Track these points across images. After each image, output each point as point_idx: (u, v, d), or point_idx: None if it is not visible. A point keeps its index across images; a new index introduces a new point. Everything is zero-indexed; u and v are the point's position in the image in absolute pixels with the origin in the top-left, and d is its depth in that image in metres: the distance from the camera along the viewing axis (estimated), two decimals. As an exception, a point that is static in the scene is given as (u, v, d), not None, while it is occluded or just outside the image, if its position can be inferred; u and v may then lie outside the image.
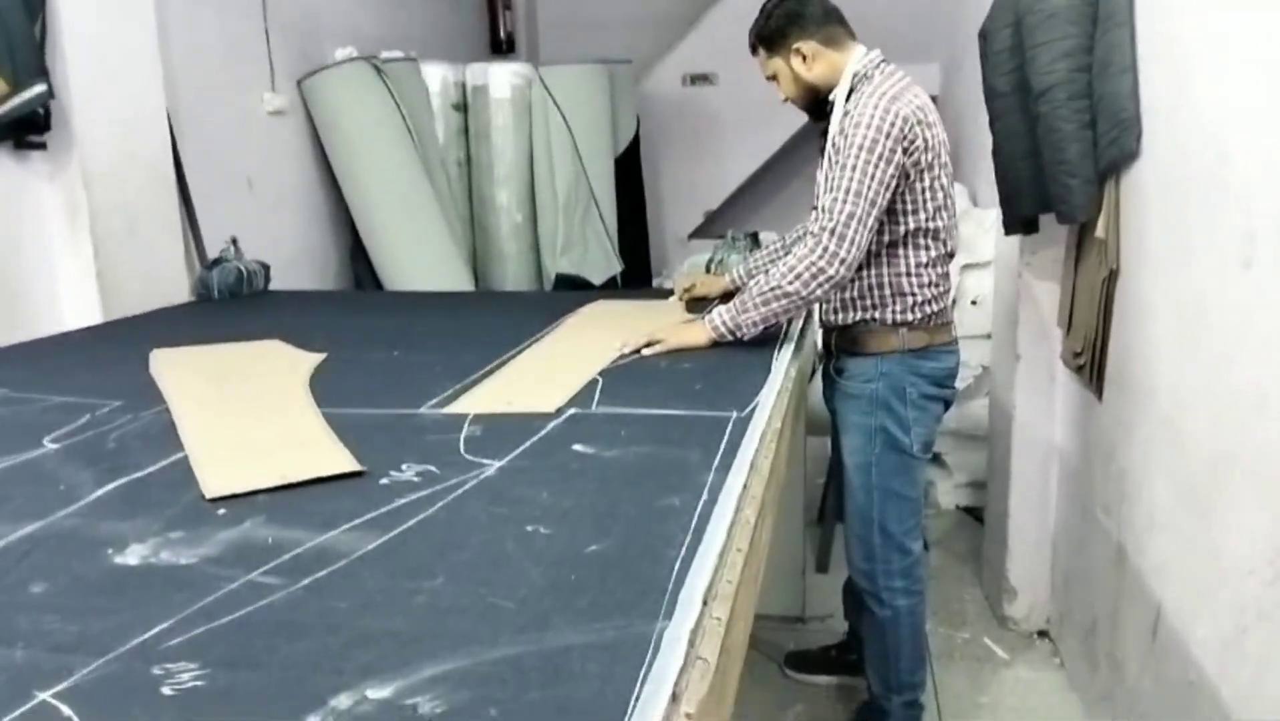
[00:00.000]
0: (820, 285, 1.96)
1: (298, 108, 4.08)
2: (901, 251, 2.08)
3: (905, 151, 1.97)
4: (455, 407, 1.62)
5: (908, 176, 2.01)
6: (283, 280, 3.81)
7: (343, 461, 1.32)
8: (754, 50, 2.14)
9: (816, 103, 2.13)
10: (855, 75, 2.05)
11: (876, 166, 1.93)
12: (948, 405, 2.22)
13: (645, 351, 1.98)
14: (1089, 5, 2.20)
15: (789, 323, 2.26)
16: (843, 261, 1.94)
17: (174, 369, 1.95)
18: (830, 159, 2.03)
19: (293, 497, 1.23)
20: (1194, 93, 1.80)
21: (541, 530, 1.08)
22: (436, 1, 5.45)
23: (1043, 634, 2.84)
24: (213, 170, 3.51)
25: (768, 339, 2.07)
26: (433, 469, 1.31)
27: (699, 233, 6.00)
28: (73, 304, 2.94)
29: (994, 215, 3.36)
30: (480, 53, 5.85)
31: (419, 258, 4.17)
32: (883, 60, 2.08)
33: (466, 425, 1.51)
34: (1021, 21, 2.29)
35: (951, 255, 2.17)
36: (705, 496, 1.16)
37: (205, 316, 2.70)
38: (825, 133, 2.15)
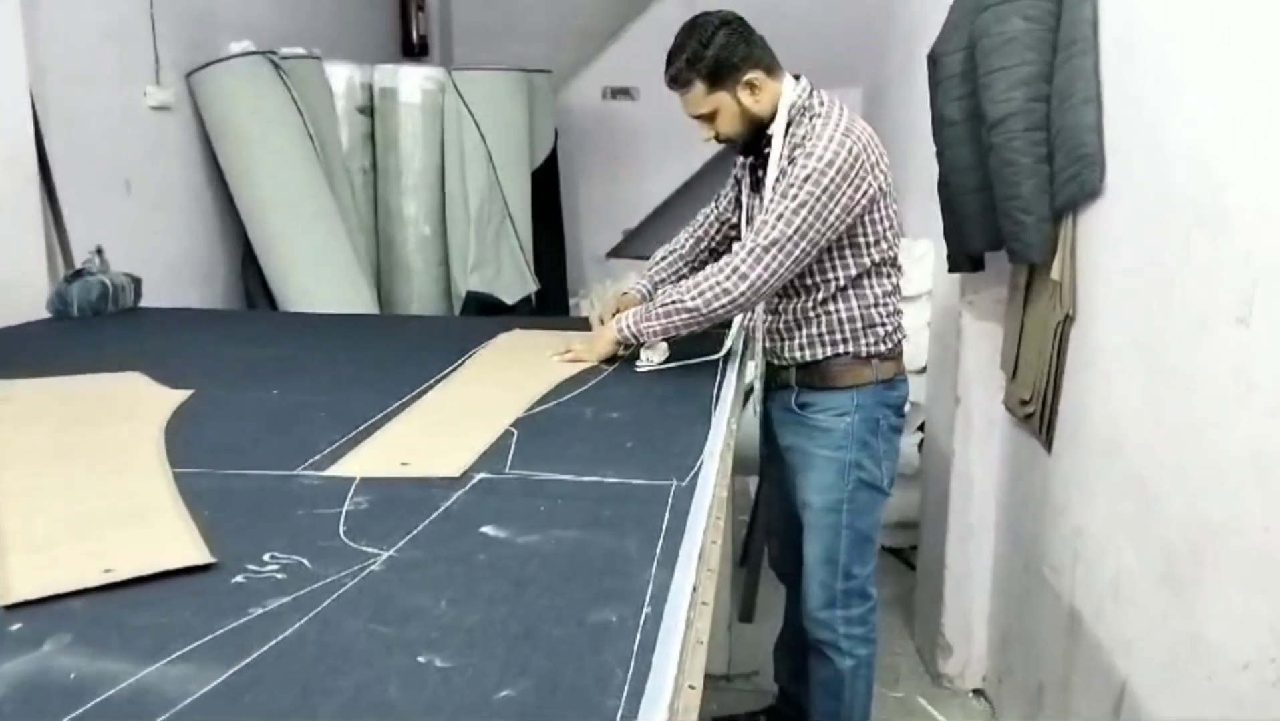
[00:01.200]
0: (722, 305, 1.90)
1: (185, 103, 3.73)
2: (869, 284, 2.02)
3: (859, 185, 1.89)
4: (339, 468, 1.36)
5: (866, 210, 1.93)
6: (164, 294, 3.45)
7: (186, 552, 1.05)
8: (683, 85, 1.94)
9: (750, 142, 2.02)
10: (792, 106, 1.96)
11: (818, 200, 1.86)
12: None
13: (562, 358, 1.99)
14: (1049, 31, 2.06)
15: (724, 362, 2.06)
16: (751, 286, 1.88)
17: (3, 411, 1.63)
18: (772, 189, 1.92)
19: (116, 603, 0.95)
20: (1175, 127, 1.65)
21: (437, 662, 0.84)
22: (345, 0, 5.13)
23: (978, 691, 2.68)
24: (85, 169, 3.15)
25: (704, 381, 1.87)
26: (303, 561, 1.04)
27: (617, 251, 5.78)
28: (-90, 318, 2.56)
29: (924, 246, 3.24)
30: (391, 54, 5.54)
31: (315, 271, 3.85)
32: (811, 87, 1.99)
33: (351, 494, 1.25)
34: (976, 46, 2.14)
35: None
36: (648, 608, 0.93)
37: (59, 338, 2.35)
38: (754, 167, 2.06)
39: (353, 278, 3.93)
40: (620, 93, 5.64)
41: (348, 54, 4.51)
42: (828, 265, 2.00)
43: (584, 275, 5.67)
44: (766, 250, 1.86)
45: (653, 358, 2.01)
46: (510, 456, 1.40)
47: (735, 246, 1.95)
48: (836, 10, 5.09)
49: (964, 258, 2.38)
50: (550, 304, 4.92)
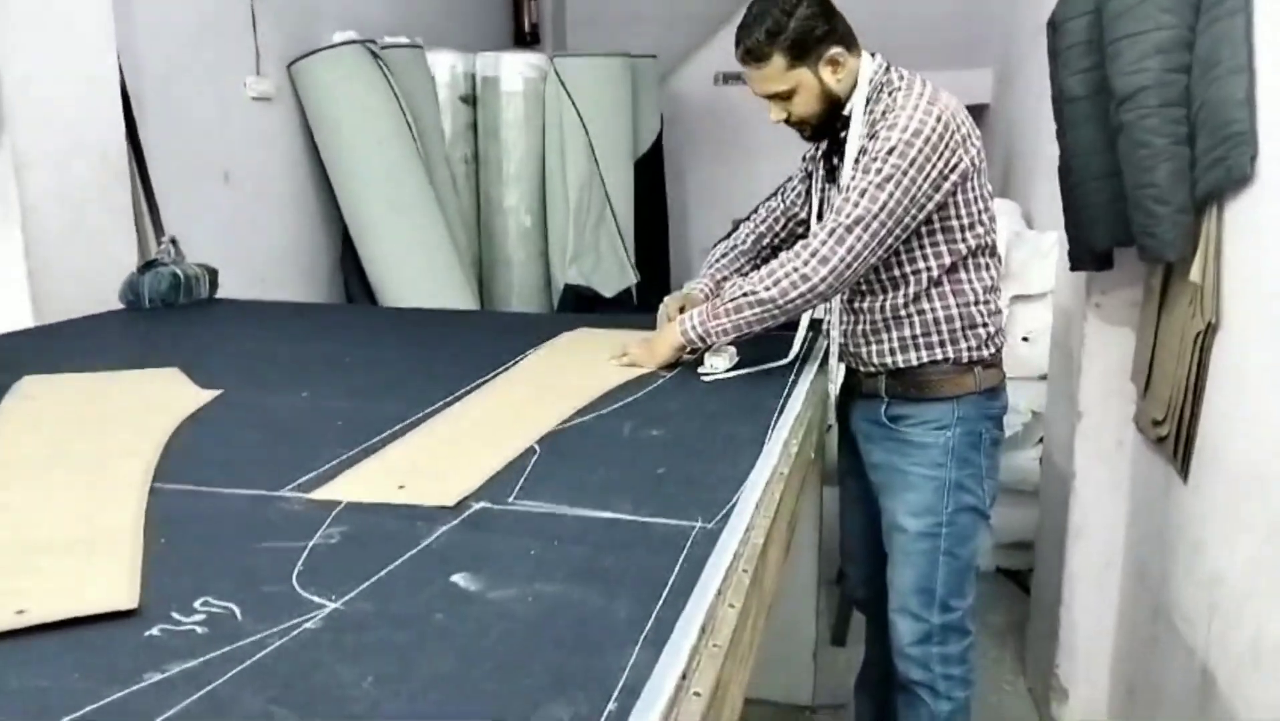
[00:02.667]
0: (801, 295, 1.70)
1: (287, 94, 3.72)
2: (965, 276, 1.81)
3: (948, 159, 1.69)
4: (329, 490, 1.21)
5: (959, 187, 1.73)
6: (264, 287, 3.46)
7: (110, 594, 0.92)
8: (760, 59, 1.74)
9: (825, 126, 1.82)
10: (871, 82, 1.78)
11: (905, 174, 1.66)
12: None
13: (619, 363, 1.82)
14: (1192, -12, 1.74)
15: (797, 369, 1.84)
16: (834, 271, 1.67)
17: (20, 409, 1.57)
18: (854, 169, 1.71)
19: (4, 657, 0.83)
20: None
21: (325, 770, 0.67)
22: (456, -13, 5.07)
23: (1097, 745, 2.38)
24: (182, 160, 3.15)
25: (771, 394, 1.65)
26: (235, 610, 0.90)
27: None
28: (1, 305, 2.59)
29: (1052, 240, 2.91)
30: (502, 43, 5.46)
31: (413, 263, 3.80)
32: (888, 64, 1.81)
33: (327, 524, 1.10)
34: (1103, 9, 1.84)
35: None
36: (613, 704, 0.74)
37: (123, 330, 2.32)
38: (829, 154, 1.86)
39: (450, 269, 3.86)
40: (733, 78, 5.40)
41: (456, 44, 4.44)
42: (918, 254, 1.79)
43: (690, 267, 5.47)
44: (850, 230, 1.66)
45: (718, 364, 1.81)
46: (519, 482, 1.23)
47: (814, 228, 1.75)
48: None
49: (1088, 254, 2.07)
50: (651, 296, 4.73)
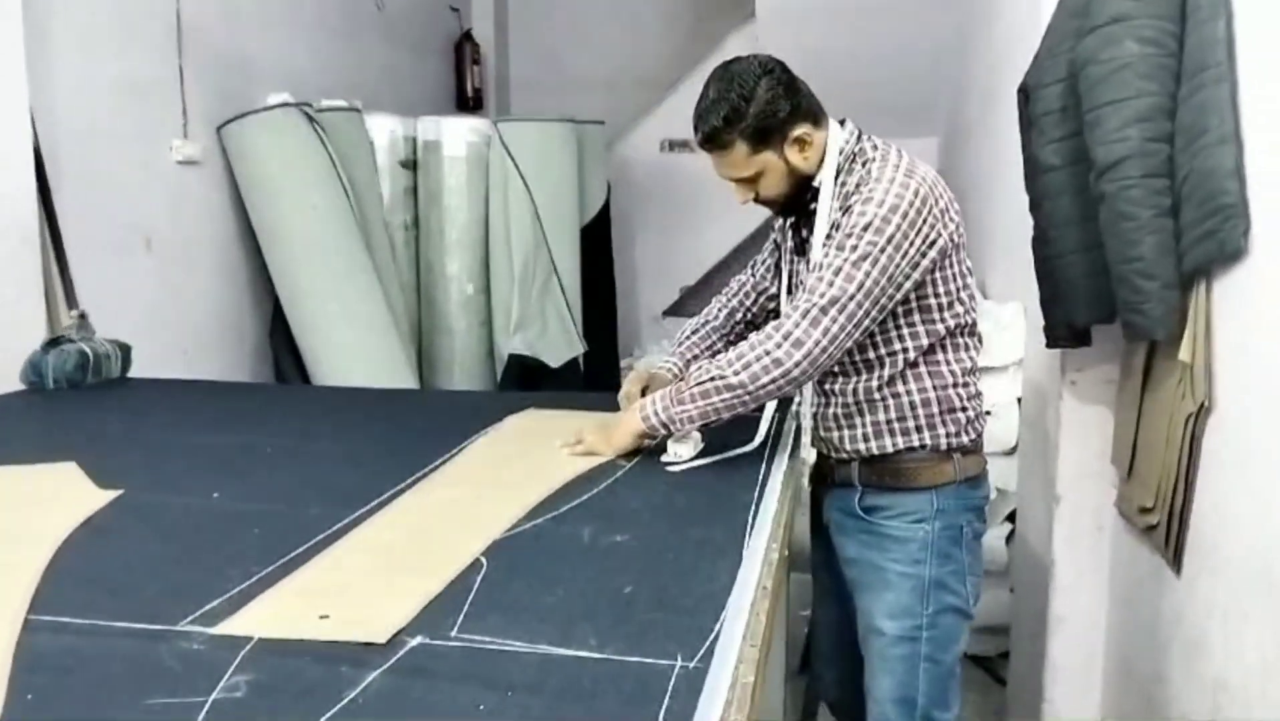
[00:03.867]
0: (773, 381, 1.56)
1: (215, 157, 3.54)
2: (943, 357, 1.69)
3: (927, 234, 1.58)
4: (237, 622, 1.02)
5: (937, 264, 1.62)
6: (187, 359, 3.25)
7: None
8: (722, 147, 1.62)
9: (792, 202, 1.72)
10: (841, 153, 1.67)
11: (883, 252, 1.55)
12: None
13: (572, 451, 1.66)
14: (1169, 56, 1.68)
15: (768, 457, 1.69)
16: (808, 355, 1.54)
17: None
18: (825, 246, 1.59)
19: None
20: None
21: None
22: (393, 51, 4.95)
23: None
24: (100, 227, 2.96)
25: (743, 487, 1.50)
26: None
27: (674, 310, 5.45)
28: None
29: (1013, 311, 2.83)
30: (444, 108, 5.35)
31: (349, 335, 3.60)
32: (859, 131, 1.70)
33: (232, 668, 0.91)
34: (1080, 75, 1.77)
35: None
36: None
37: (21, 414, 2.10)
38: (797, 227, 1.74)
39: (388, 340, 3.68)
40: (679, 144, 5.36)
41: (396, 107, 4.31)
42: (894, 334, 1.66)
43: (638, 335, 5.36)
44: (825, 311, 1.53)
45: (681, 452, 1.65)
46: (465, 608, 1.05)
47: (785, 309, 1.62)
48: (904, 51, 4.72)
49: (1066, 330, 1.98)
50: (599, 366, 4.60)
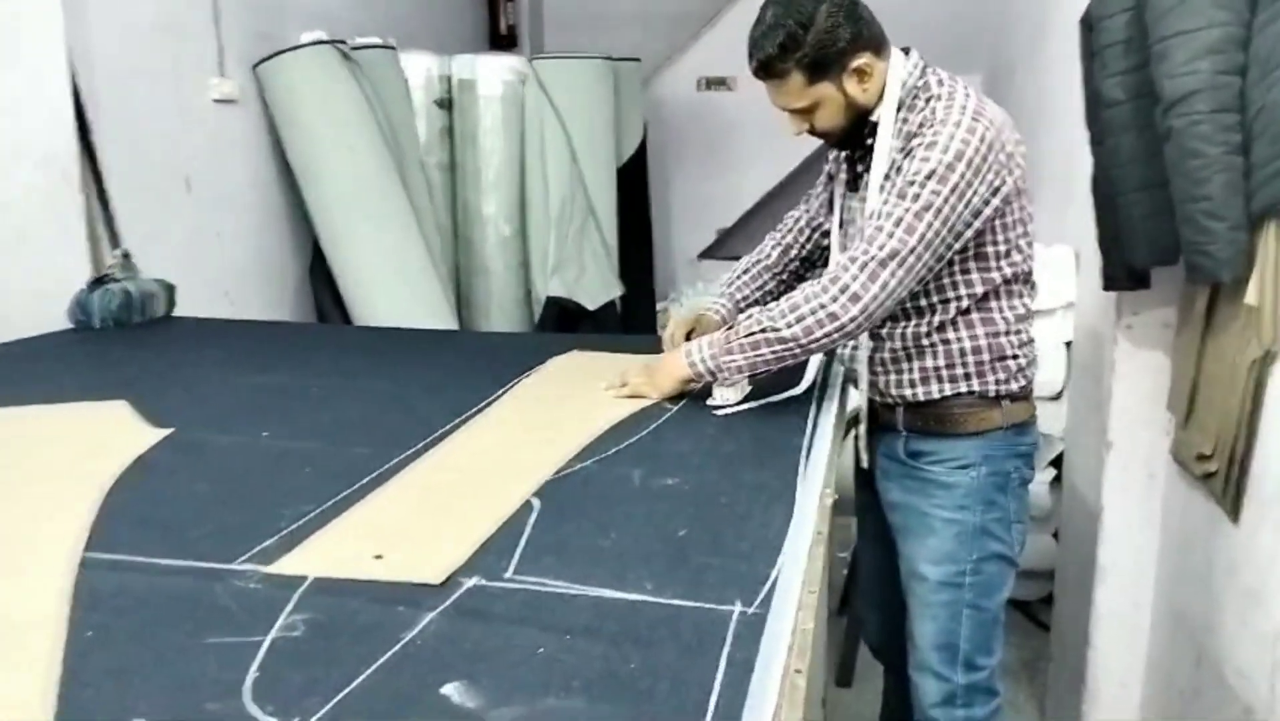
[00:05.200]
0: (826, 335, 1.52)
1: (252, 96, 3.50)
2: (996, 305, 1.64)
3: (991, 182, 1.52)
4: (292, 561, 1.02)
5: (999, 212, 1.56)
6: (227, 301, 3.25)
7: (8, 722, 0.73)
8: (777, 76, 1.55)
9: (850, 135, 1.65)
10: (903, 86, 1.59)
11: (946, 201, 1.49)
12: None
13: (617, 393, 1.64)
14: (1246, -16, 1.59)
15: (817, 401, 1.67)
16: (864, 310, 1.50)
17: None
18: (884, 189, 1.54)
19: None
20: None
21: None
22: (429, -13, 4.87)
23: (1127, 800, 2.22)
24: (140, 167, 2.94)
25: (791, 431, 1.48)
26: (168, 745, 0.71)
27: (710, 252, 5.39)
28: (-61, 327, 2.37)
29: (1062, 253, 2.76)
30: (477, 45, 5.28)
31: (386, 274, 3.59)
32: (924, 64, 1.62)
33: (289, 607, 0.91)
34: (1147, 5, 1.68)
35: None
36: None
37: (69, 353, 2.11)
38: (852, 161, 1.68)
39: (426, 280, 3.67)
40: (716, 83, 5.25)
41: (430, 45, 4.25)
42: (947, 282, 1.61)
43: (674, 278, 5.31)
44: (884, 264, 1.48)
45: (729, 396, 1.63)
46: (518, 550, 1.04)
47: (837, 258, 1.57)
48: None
49: (1124, 272, 1.91)
50: (636, 308, 4.57)
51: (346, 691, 0.78)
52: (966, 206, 1.50)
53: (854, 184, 1.71)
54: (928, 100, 1.55)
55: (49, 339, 2.21)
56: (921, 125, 1.53)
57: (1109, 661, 2.18)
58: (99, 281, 2.34)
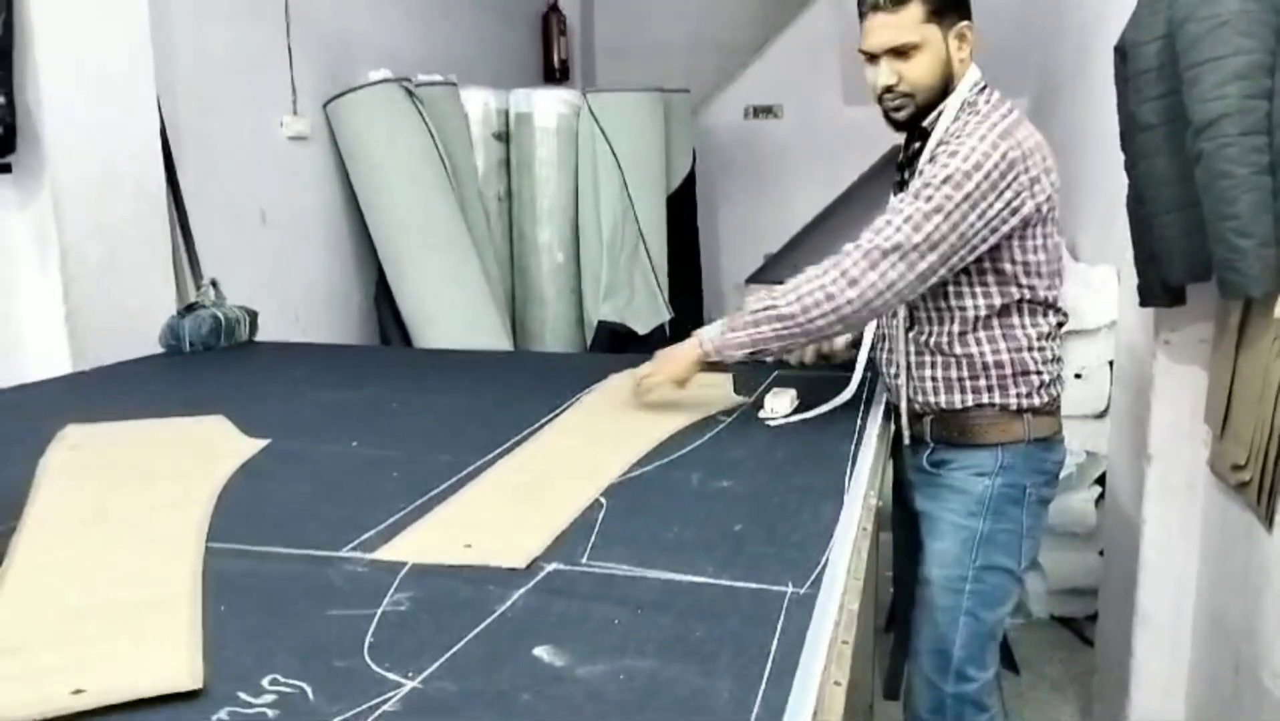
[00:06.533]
0: (824, 316, 1.57)
1: (322, 133, 3.71)
2: (1019, 320, 1.67)
3: (1010, 200, 1.56)
4: (392, 550, 1.15)
5: (1018, 232, 1.60)
6: (298, 326, 3.43)
7: (172, 673, 0.86)
8: (902, 2, 1.59)
9: (924, 110, 1.66)
10: (963, 100, 1.65)
11: (957, 208, 1.53)
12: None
13: (645, 395, 1.73)
14: (1271, 13, 1.67)
15: (863, 410, 1.76)
16: (861, 295, 1.54)
17: (64, 459, 1.52)
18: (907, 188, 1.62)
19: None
20: None
21: None
22: (486, 25, 5.07)
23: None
24: (219, 198, 3.14)
25: (839, 439, 1.58)
26: (307, 690, 0.83)
27: (758, 277, 5.49)
28: (38, 349, 2.56)
29: (1105, 274, 2.83)
30: (532, 79, 5.46)
31: (446, 299, 3.76)
32: (984, 85, 1.68)
33: (394, 588, 1.04)
34: (1178, 33, 1.77)
35: (1063, 323, 1.77)
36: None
37: (165, 375, 2.28)
38: (903, 166, 1.75)
39: (484, 306, 3.83)
40: (763, 111, 5.38)
41: (488, 80, 4.44)
42: (965, 289, 1.66)
43: (722, 302, 5.42)
44: (885, 255, 1.53)
45: (778, 407, 1.74)
46: (591, 540, 1.16)
47: (847, 245, 1.60)
48: (994, 10, 4.69)
49: (1161, 289, 1.99)
50: (685, 333, 4.67)
51: (451, 652, 0.90)
52: (980, 218, 1.53)
53: (900, 186, 1.75)
54: (972, 113, 1.61)
55: (143, 362, 2.38)
56: (953, 135, 1.60)
57: (1151, 670, 2.23)
58: (190, 308, 2.51)
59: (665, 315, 4.43)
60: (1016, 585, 1.76)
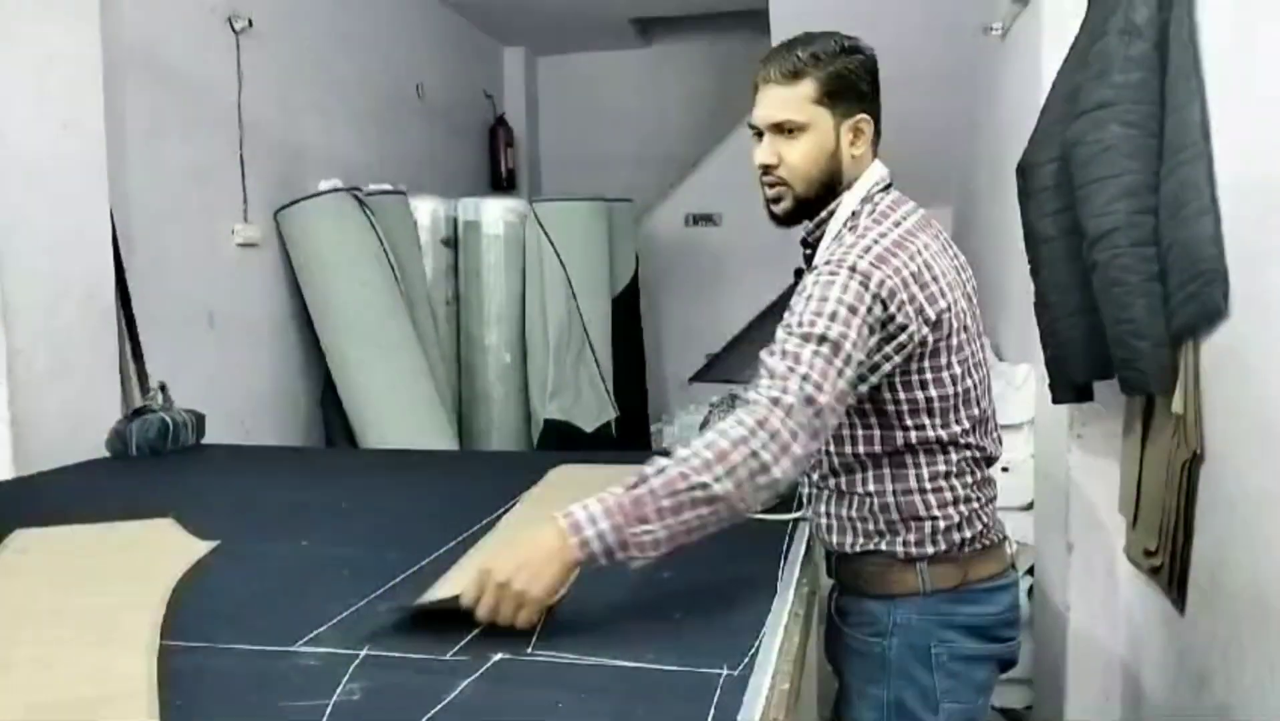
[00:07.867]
0: (761, 491, 1.24)
1: (272, 239, 3.80)
2: (911, 461, 1.47)
3: (889, 331, 1.37)
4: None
5: (903, 370, 1.41)
6: (244, 429, 3.44)
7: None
8: (791, 77, 1.45)
9: (806, 205, 1.50)
10: (869, 191, 1.49)
11: (842, 304, 1.32)
12: (1006, 665, 1.57)
13: (479, 612, 1.20)
14: (1150, 137, 1.86)
15: (797, 508, 1.83)
16: (809, 400, 1.25)
17: (15, 563, 1.54)
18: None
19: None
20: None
21: None
22: (435, 136, 5.26)
23: None
24: (168, 303, 3.19)
25: (777, 533, 1.66)
26: (263, 776, 0.87)
27: (700, 376, 5.64)
28: (-18, 453, 2.55)
29: (1025, 372, 2.99)
30: (480, 189, 5.64)
31: (395, 401, 3.81)
32: (888, 185, 1.52)
33: (347, 678, 1.08)
34: (1070, 155, 1.96)
35: (992, 460, 1.55)
36: None
37: (111, 479, 2.29)
38: (808, 253, 1.57)
39: (431, 406, 3.88)
40: (703, 219, 5.63)
41: (437, 189, 4.60)
42: (845, 432, 1.48)
43: (666, 400, 5.54)
44: (803, 343, 1.30)
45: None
46: (537, 631, 1.22)
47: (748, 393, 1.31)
48: (920, 123, 4.97)
49: (1068, 387, 2.14)
50: (631, 429, 4.78)
51: (404, 736, 0.94)
52: (857, 319, 1.33)
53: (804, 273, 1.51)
54: (867, 216, 1.46)
55: (89, 466, 2.39)
56: (843, 242, 1.42)
57: (1086, 754, 2.30)
58: (138, 412, 2.54)
59: (611, 413, 4.52)
60: None
